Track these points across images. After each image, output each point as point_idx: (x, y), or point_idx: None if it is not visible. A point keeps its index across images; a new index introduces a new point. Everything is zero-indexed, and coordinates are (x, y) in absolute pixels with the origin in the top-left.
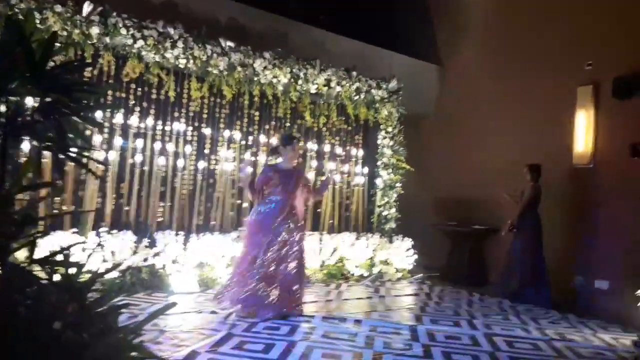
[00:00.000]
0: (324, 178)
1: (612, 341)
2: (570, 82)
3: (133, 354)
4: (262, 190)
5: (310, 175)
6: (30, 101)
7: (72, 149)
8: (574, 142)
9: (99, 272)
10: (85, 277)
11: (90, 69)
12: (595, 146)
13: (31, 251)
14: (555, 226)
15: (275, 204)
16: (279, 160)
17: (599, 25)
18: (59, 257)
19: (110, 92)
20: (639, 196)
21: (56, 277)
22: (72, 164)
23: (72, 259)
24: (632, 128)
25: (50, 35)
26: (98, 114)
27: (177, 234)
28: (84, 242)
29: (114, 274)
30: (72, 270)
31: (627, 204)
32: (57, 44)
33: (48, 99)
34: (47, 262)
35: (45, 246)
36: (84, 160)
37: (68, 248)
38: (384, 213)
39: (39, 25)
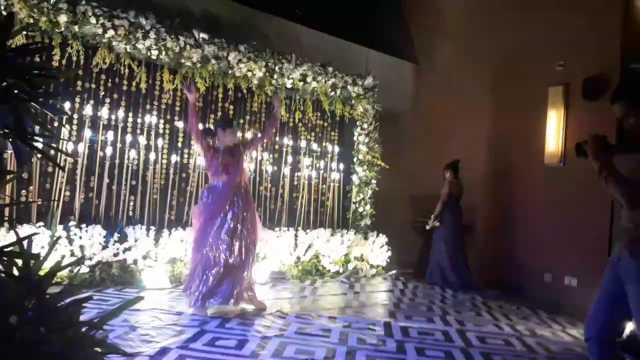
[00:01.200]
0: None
1: (581, 337)
2: (542, 82)
3: (96, 349)
4: (202, 137)
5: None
6: None
7: (34, 138)
8: (545, 141)
9: (60, 264)
10: (46, 269)
11: (58, 58)
12: (565, 146)
13: None
14: (528, 224)
15: (222, 187)
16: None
17: (570, 26)
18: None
19: (79, 83)
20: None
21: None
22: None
23: (34, 253)
24: (600, 128)
25: (6, 16)
26: (65, 105)
27: (148, 229)
28: (52, 236)
29: (84, 270)
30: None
31: (595, 202)
32: (23, 37)
33: (4, 83)
34: (5, 254)
35: (7, 240)
36: (48, 150)
37: (26, 238)
38: (360, 209)
39: (3, 12)
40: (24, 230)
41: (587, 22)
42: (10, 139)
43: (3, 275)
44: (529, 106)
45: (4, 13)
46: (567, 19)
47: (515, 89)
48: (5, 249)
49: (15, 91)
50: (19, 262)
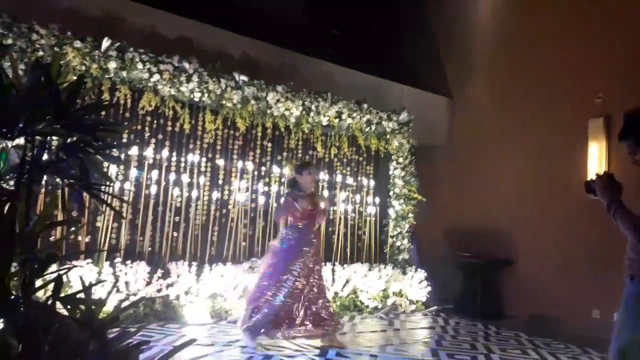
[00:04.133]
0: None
1: None
2: (581, 113)
3: None
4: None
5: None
6: (54, 139)
7: (93, 185)
8: (587, 174)
9: (119, 306)
10: (104, 311)
11: (113, 104)
12: None
13: (56, 289)
14: (571, 258)
15: (300, 232)
16: (296, 191)
17: (609, 57)
18: (80, 294)
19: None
20: None
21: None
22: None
23: (97, 299)
24: None
25: (77, 79)
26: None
27: (190, 265)
28: (101, 279)
29: (127, 303)
30: (93, 307)
31: None
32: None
33: (72, 139)
34: (70, 299)
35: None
36: (105, 196)
37: (90, 286)
38: (397, 244)
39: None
40: (75, 269)
41: (627, 52)
42: (76, 189)
43: (68, 319)
44: (569, 139)
45: (59, 62)
46: (606, 49)
47: (553, 122)
48: (71, 295)
49: (82, 145)
50: (82, 307)
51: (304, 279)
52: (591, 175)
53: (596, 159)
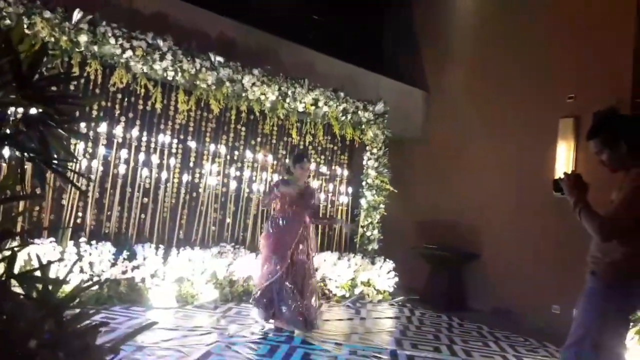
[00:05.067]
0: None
1: None
2: (553, 113)
3: None
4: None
5: (321, 196)
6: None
7: (55, 161)
8: (555, 172)
9: (80, 286)
10: (62, 291)
11: (78, 76)
12: None
13: (9, 266)
14: (536, 253)
15: (290, 222)
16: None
17: (582, 58)
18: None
19: (96, 102)
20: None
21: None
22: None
23: (55, 278)
24: None
25: (39, 46)
26: (82, 125)
27: (157, 248)
28: (62, 258)
29: (89, 284)
30: (51, 286)
31: None
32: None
33: (33, 110)
34: (26, 277)
35: (21, 255)
36: (68, 173)
37: (48, 264)
38: (367, 234)
39: (26, 31)
40: (36, 246)
41: (598, 54)
42: (35, 164)
43: (23, 298)
44: (540, 137)
45: (27, 31)
46: (578, 50)
47: (525, 120)
48: (27, 273)
49: (43, 118)
50: (39, 285)
51: (288, 273)
52: (559, 173)
53: (564, 158)
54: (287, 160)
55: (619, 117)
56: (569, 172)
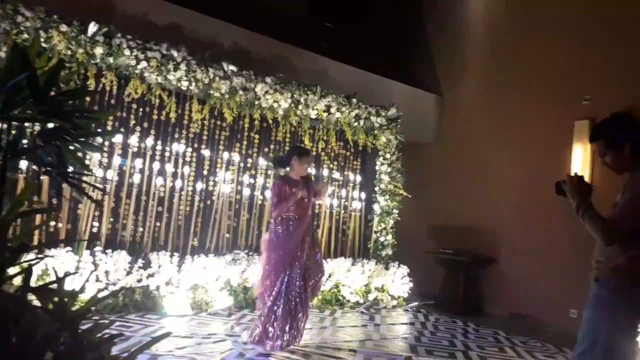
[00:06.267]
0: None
1: None
2: (568, 116)
3: None
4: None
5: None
6: (30, 125)
7: (71, 174)
8: (584, 178)
9: (95, 297)
10: (80, 300)
11: (95, 91)
12: (592, 180)
13: (26, 279)
14: (553, 256)
15: (295, 223)
16: (288, 170)
17: (597, 60)
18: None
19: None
20: None
21: (50, 305)
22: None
23: (66, 280)
24: None
25: (56, 63)
26: (98, 138)
27: (171, 255)
28: (77, 269)
29: (105, 294)
30: (67, 299)
31: None
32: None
33: (50, 125)
34: (42, 290)
35: (38, 265)
36: (83, 185)
37: (64, 277)
38: (381, 239)
39: (43, 44)
40: (54, 256)
41: (614, 56)
42: (52, 177)
43: (40, 310)
44: (555, 140)
45: (44, 45)
46: (593, 53)
47: (540, 123)
48: (44, 286)
49: (59, 132)
50: (55, 297)
51: (300, 279)
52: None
53: (580, 161)
54: (277, 155)
55: (622, 118)
56: (572, 174)
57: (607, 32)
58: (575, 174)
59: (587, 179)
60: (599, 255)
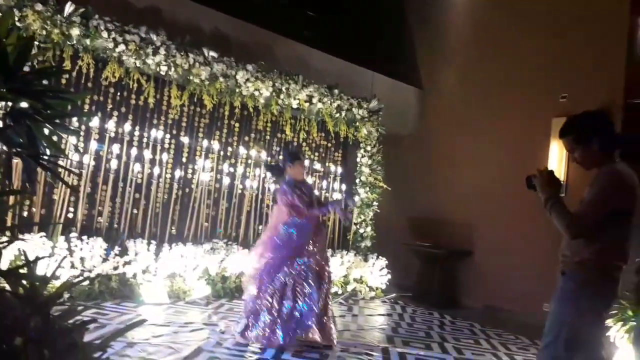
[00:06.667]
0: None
1: None
2: (546, 112)
3: None
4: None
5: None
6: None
7: (44, 156)
8: (554, 173)
9: (68, 282)
10: (52, 286)
11: (68, 70)
12: (567, 177)
13: None
14: (528, 251)
15: (303, 227)
16: (286, 177)
17: (576, 58)
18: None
19: (87, 97)
20: None
21: (21, 290)
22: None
23: (39, 265)
24: None
25: (25, 38)
26: (74, 120)
27: (149, 243)
28: (52, 253)
29: (79, 279)
30: (38, 283)
31: None
32: (35, 48)
33: (20, 105)
34: (13, 274)
35: (10, 251)
36: (57, 168)
37: (35, 261)
38: (360, 231)
39: (17, 24)
40: (27, 240)
41: (592, 54)
42: (23, 159)
43: (9, 295)
44: (533, 136)
45: (18, 24)
46: (572, 50)
47: (518, 119)
48: (14, 270)
49: (30, 112)
50: (26, 281)
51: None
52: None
53: (557, 158)
54: (274, 160)
55: (591, 115)
56: (542, 168)
57: (586, 29)
58: (545, 168)
59: (563, 175)
60: (565, 249)
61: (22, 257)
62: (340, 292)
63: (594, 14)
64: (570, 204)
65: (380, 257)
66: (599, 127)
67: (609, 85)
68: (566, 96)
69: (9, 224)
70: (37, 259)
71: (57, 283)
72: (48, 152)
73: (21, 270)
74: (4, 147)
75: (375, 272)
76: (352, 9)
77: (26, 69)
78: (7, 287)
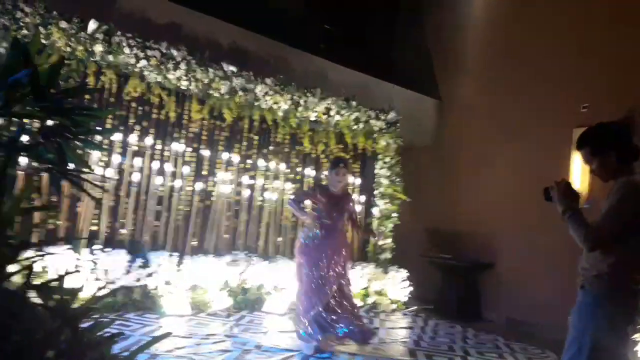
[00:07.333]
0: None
1: None
2: (567, 123)
3: None
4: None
5: (357, 207)
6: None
7: (71, 172)
8: (572, 184)
9: (95, 296)
10: (79, 299)
11: (96, 88)
12: (591, 187)
13: (27, 276)
14: (553, 263)
15: (329, 233)
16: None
17: (596, 68)
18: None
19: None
20: None
21: (51, 303)
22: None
23: (66, 278)
24: None
25: (57, 59)
26: (98, 136)
27: (171, 255)
28: (77, 267)
29: (104, 292)
30: (67, 296)
31: None
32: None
33: (50, 122)
34: (43, 287)
35: (36, 264)
36: (84, 183)
37: (64, 275)
38: (380, 243)
39: (42, 41)
40: (52, 251)
41: (613, 63)
42: (52, 174)
43: (40, 308)
44: (554, 146)
45: (44, 41)
46: (593, 59)
47: (539, 129)
48: (45, 283)
49: (60, 130)
50: (56, 295)
51: (328, 285)
52: (574, 183)
53: (579, 168)
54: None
55: (607, 126)
56: (587, 181)
57: (606, 40)
58: (563, 179)
59: (586, 186)
60: (584, 262)
61: (47, 271)
62: (360, 304)
63: (618, 24)
64: (594, 216)
65: (400, 269)
66: (615, 139)
67: (631, 95)
68: (587, 106)
69: (35, 238)
70: (66, 273)
71: (81, 295)
72: (74, 167)
73: (51, 284)
74: (34, 164)
75: (395, 285)
76: (368, 22)
77: None
78: (38, 301)
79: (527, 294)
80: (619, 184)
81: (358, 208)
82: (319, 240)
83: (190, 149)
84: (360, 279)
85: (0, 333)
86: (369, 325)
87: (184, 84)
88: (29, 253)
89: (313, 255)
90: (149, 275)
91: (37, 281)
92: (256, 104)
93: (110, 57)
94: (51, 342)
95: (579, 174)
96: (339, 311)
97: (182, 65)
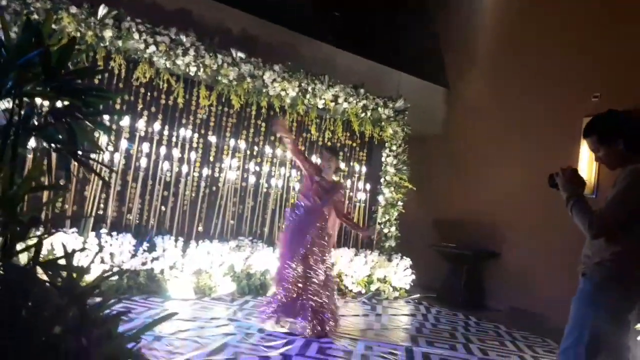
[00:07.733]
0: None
1: None
2: (577, 112)
3: None
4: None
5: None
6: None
7: (80, 152)
8: (578, 171)
9: (102, 276)
10: (85, 280)
11: (105, 70)
12: (598, 177)
13: (36, 254)
14: (559, 252)
15: (303, 209)
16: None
17: (607, 57)
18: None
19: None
20: None
21: (59, 281)
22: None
23: (79, 266)
24: None
25: (68, 41)
26: (106, 118)
27: (176, 240)
28: (83, 247)
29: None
30: (74, 274)
31: None
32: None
33: (61, 103)
34: (51, 265)
35: (45, 245)
36: (93, 164)
37: (72, 253)
38: (385, 230)
39: (53, 26)
40: (59, 236)
41: (624, 52)
42: (62, 155)
43: (48, 285)
44: (563, 135)
45: (54, 26)
46: (603, 49)
47: (548, 118)
48: (53, 261)
49: (70, 110)
50: (64, 273)
51: (301, 266)
52: (582, 172)
53: (587, 157)
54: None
55: (615, 114)
56: (594, 171)
57: (618, 27)
58: (569, 166)
59: (594, 175)
60: (587, 250)
61: (55, 252)
62: (363, 291)
63: (626, 12)
64: (600, 205)
65: (404, 257)
66: (623, 127)
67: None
68: (599, 95)
69: (43, 218)
70: (74, 251)
71: (88, 278)
72: (83, 148)
73: (59, 262)
74: (44, 144)
75: (399, 272)
76: (377, 9)
77: None
78: (46, 278)
79: (530, 284)
80: (626, 172)
81: (363, 196)
82: (296, 222)
83: (197, 135)
84: (364, 266)
85: (9, 308)
86: (329, 324)
87: (192, 70)
88: (36, 233)
89: (288, 236)
90: (155, 259)
91: (45, 259)
92: (264, 90)
93: (120, 43)
94: (59, 318)
95: (587, 162)
96: (299, 299)
97: (191, 51)
